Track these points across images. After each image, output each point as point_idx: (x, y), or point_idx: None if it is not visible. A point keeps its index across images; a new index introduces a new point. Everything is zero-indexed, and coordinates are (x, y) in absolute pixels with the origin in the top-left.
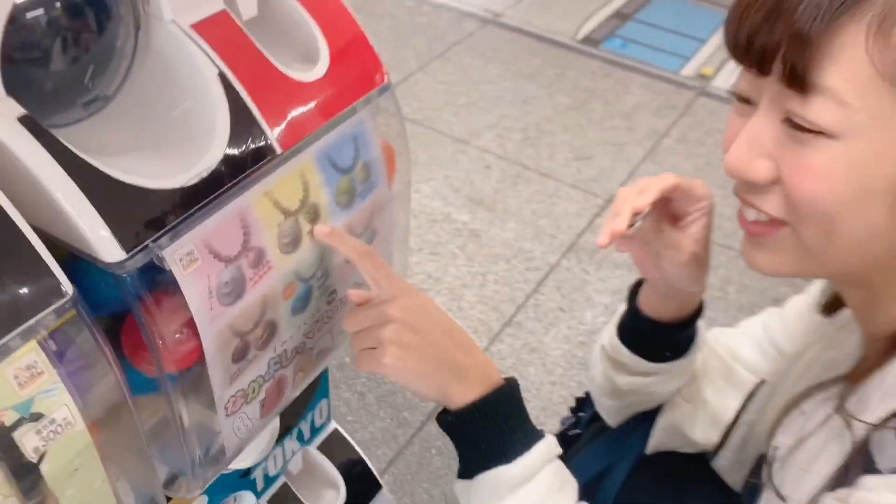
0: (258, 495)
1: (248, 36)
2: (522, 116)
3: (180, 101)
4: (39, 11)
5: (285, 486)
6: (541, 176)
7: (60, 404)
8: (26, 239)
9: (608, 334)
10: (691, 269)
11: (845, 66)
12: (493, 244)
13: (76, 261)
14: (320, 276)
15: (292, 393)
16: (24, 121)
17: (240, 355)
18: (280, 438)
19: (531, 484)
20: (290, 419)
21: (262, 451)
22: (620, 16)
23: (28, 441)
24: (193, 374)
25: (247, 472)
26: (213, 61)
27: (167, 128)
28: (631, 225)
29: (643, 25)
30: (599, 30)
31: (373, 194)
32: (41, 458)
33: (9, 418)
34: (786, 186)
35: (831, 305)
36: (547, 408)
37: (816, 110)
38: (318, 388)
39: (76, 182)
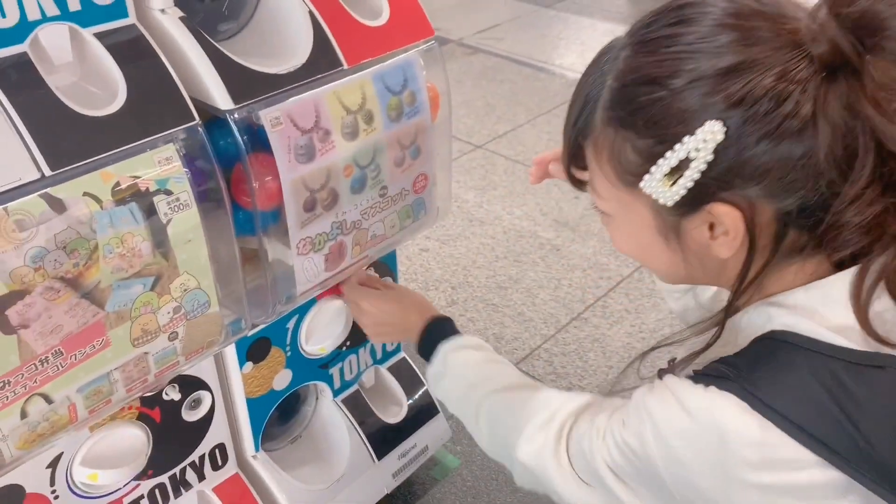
0: (335, 393)
1: None
2: None
3: (284, 30)
4: None
5: (358, 392)
6: None
7: (183, 189)
8: (178, 90)
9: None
10: None
11: (595, 173)
12: (572, 257)
13: (208, 126)
14: (374, 169)
15: (350, 262)
16: (182, 20)
17: (309, 207)
18: (355, 346)
19: (445, 364)
20: (363, 335)
21: (336, 337)
22: None
23: (161, 207)
24: (275, 215)
25: (325, 365)
26: (305, 3)
27: (274, 45)
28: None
29: None
30: None
31: (417, 117)
32: (168, 222)
33: (152, 186)
34: None
35: None
36: (601, 385)
37: (596, 201)
38: None
39: (208, 56)
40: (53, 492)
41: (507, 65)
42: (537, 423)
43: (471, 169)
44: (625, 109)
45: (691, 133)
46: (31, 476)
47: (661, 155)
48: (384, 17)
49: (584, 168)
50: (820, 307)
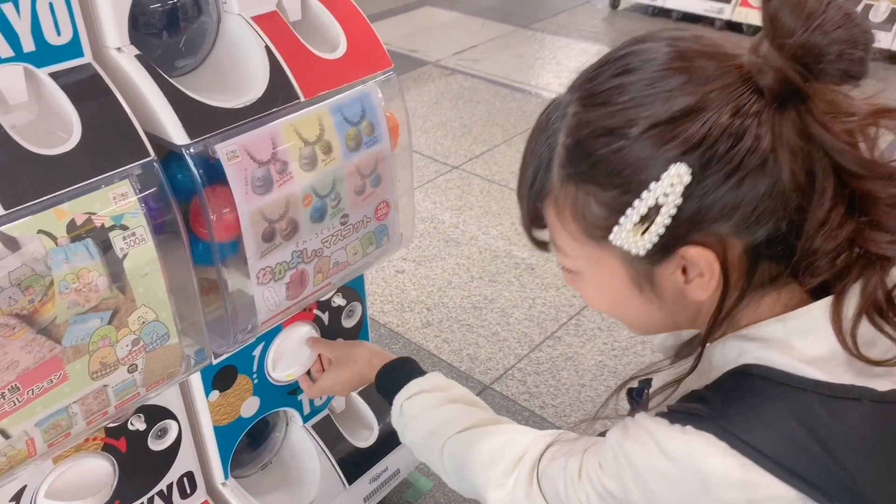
0: (305, 419)
1: (289, 26)
2: None
3: (241, 65)
4: (157, 4)
5: (328, 418)
6: None
7: (139, 224)
8: (134, 127)
9: None
10: None
11: (558, 232)
12: (546, 276)
13: (166, 161)
14: (334, 198)
15: (313, 290)
16: (138, 58)
17: (268, 237)
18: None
19: (403, 415)
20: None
21: (304, 363)
22: None
23: (117, 242)
24: (234, 246)
25: (294, 391)
26: (262, 38)
27: (231, 80)
28: None
29: None
30: None
31: (376, 146)
32: (125, 257)
33: (107, 222)
34: None
35: None
36: (573, 404)
37: (562, 260)
38: (357, 338)
39: (164, 93)
40: None
41: (483, 85)
42: (505, 468)
43: (447, 189)
44: (583, 164)
45: (656, 179)
46: None
47: (629, 205)
48: (341, 50)
49: (545, 227)
50: (793, 339)
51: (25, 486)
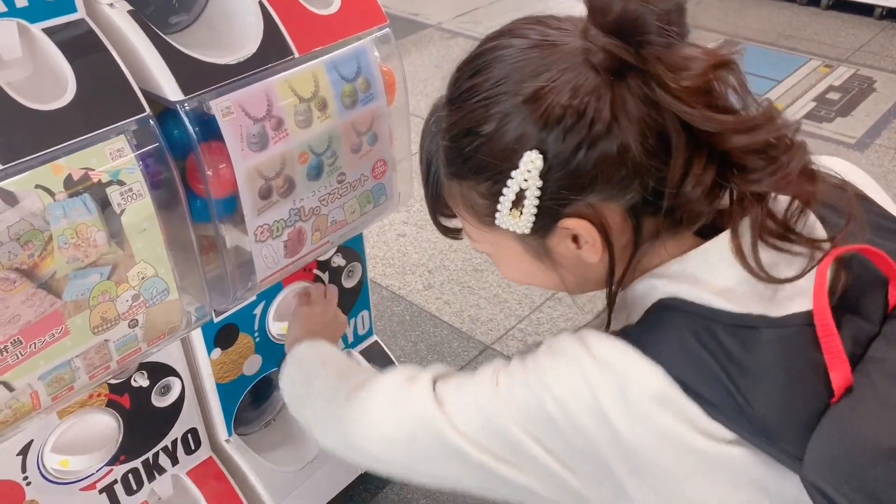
0: None
1: None
2: None
3: (235, 21)
4: None
5: None
6: None
7: (136, 180)
8: (128, 83)
9: None
10: None
11: (461, 221)
12: None
13: (162, 117)
14: (330, 156)
15: (311, 248)
16: (131, 13)
17: (265, 194)
18: None
19: (289, 368)
20: None
21: None
22: None
23: (114, 197)
24: (232, 203)
25: None
26: None
27: (225, 36)
28: None
29: None
30: None
31: (372, 103)
32: (122, 212)
33: (104, 178)
34: None
35: None
36: None
37: (472, 244)
38: (358, 301)
39: (157, 49)
40: (26, 478)
41: None
42: (406, 375)
43: None
44: (457, 163)
45: (516, 167)
46: (1, 463)
47: (501, 193)
48: (335, 5)
49: (453, 216)
50: (700, 273)
51: (32, 441)
